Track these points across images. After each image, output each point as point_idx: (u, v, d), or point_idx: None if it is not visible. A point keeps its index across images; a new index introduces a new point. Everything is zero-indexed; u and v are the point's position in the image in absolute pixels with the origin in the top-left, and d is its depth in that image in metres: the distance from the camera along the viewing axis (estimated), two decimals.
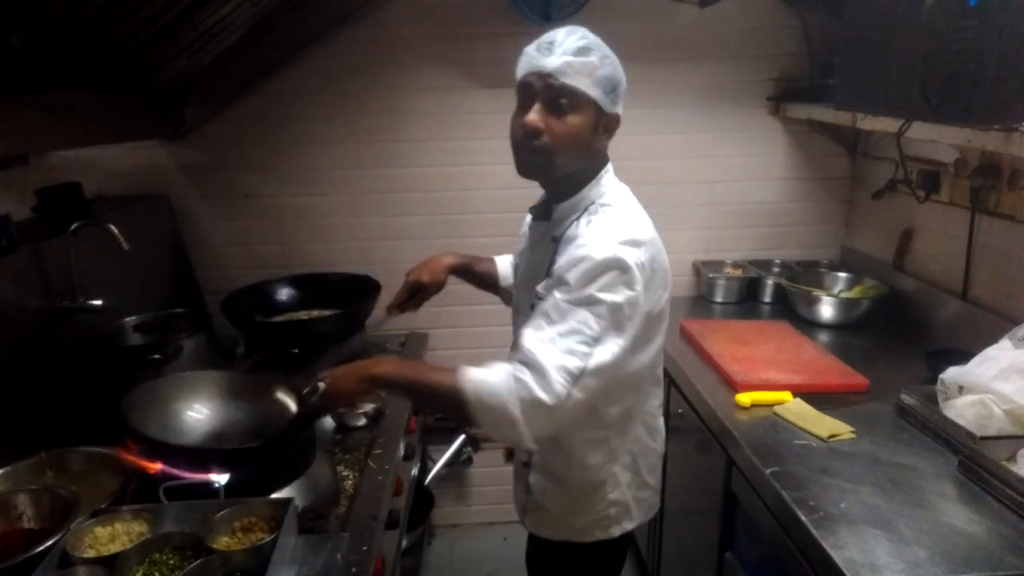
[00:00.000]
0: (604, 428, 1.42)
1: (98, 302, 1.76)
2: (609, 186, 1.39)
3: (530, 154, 1.30)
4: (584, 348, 1.19)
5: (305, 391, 1.37)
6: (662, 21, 2.49)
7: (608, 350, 1.21)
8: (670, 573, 2.32)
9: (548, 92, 1.27)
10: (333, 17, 2.39)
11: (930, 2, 1.59)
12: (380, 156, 2.57)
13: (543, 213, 1.43)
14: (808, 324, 2.32)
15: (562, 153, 1.30)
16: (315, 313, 2.35)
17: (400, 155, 2.57)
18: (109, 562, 1.10)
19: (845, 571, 1.18)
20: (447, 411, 1.35)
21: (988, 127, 1.50)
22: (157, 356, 1.76)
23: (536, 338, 1.21)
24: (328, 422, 1.85)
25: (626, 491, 1.48)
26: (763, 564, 1.58)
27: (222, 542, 1.17)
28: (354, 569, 1.27)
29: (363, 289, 2.33)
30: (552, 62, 1.25)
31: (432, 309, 2.68)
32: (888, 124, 1.85)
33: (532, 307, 1.33)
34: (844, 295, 2.39)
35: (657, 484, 1.58)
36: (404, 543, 1.85)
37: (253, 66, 2.40)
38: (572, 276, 1.22)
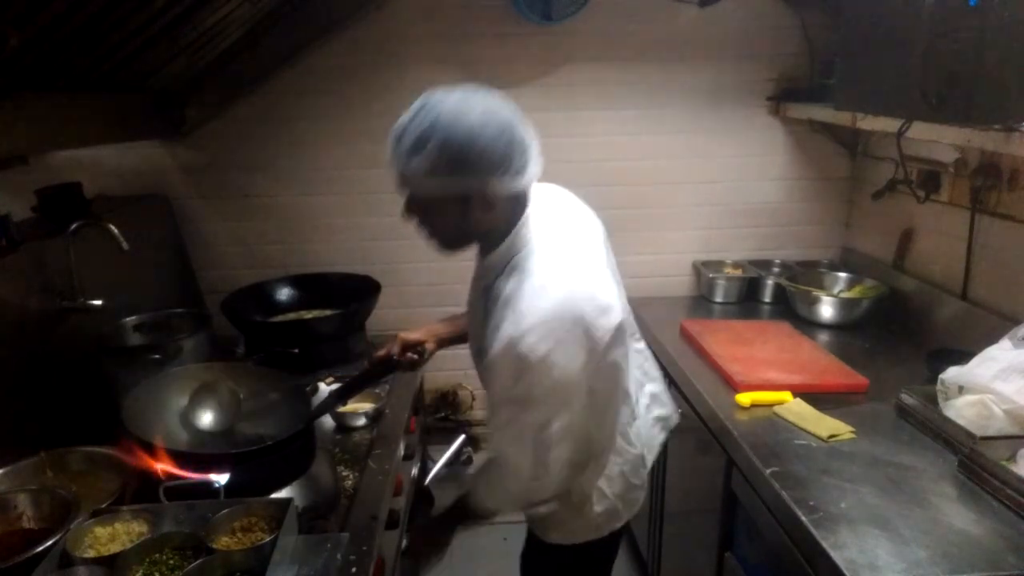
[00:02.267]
0: (586, 452, 1.41)
1: (98, 302, 1.76)
2: (529, 238, 1.27)
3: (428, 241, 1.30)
4: (540, 435, 1.24)
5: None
6: (662, 21, 2.49)
7: (561, 427, 1.24)
8: (670, 573, 2.32)
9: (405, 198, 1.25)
10: (333, 17, 2.39)
11: (930, 2, 1.59)
12: (380, 156, 2.53)
13: (481, 249, 1.35)
14: (808, 324, 2.32)
15: (447, 246, 1.30)
16: (315, 313, 2.35)
17: None
18: (109, 562, 1.10)
19: (845, 571, 1.19)
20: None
21: (988, 127, 1.50)
22: (157, 356, 1.76)
23: (499, 436, 1.32)
24: (328, 422, 1.86)
25: (614, 500, 1.49)
26: (763, 564, 1.58)
27: (222, 542, 1.17)
28: (354, 569, 1.27)
29: (363, 289, 2.33)
30: (394, 169, 1.21)
31: (431, 310, 2.70)
32: (888, 124, 1.85)
33: (479, 352, 1.36)
34: (844, 295, 2.39)
35: (644, 481, 1.57)
36: (404, 543, 1.85)
37: (253, 66, 2.40)
38: (502, 373, 1.21)
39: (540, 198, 1.33)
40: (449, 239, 1.30)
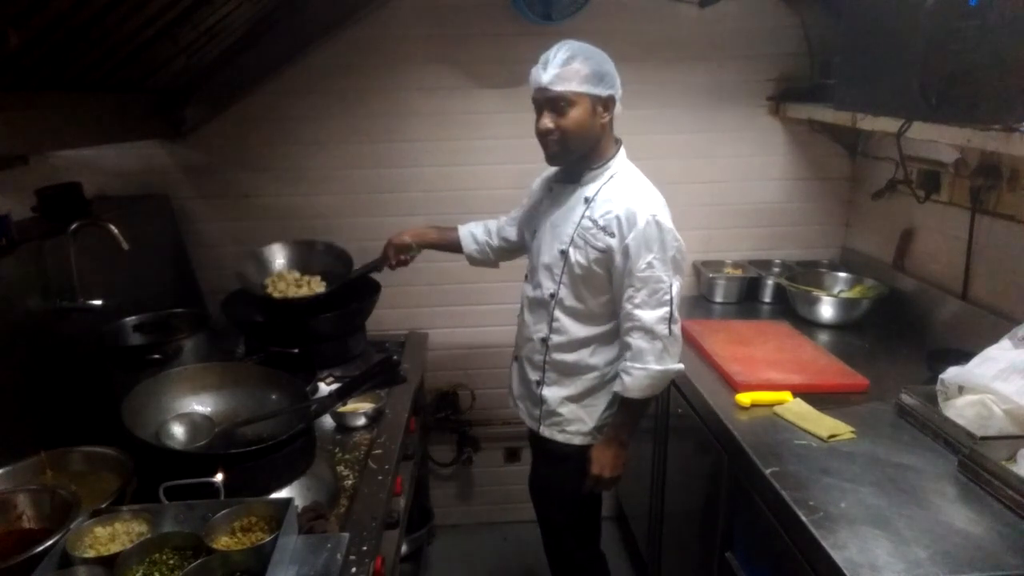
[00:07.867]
0: (613, 323, 1.78)
1: (98, 302, 1.75)
2: (624, 159, 1.80)
3: (550, 147, 1.72)
4: (670, 294, 1.67)
5: None
6: (662, 21, 2.49)
7: (678, 289, 1.69)
8: (670, 573, 2.32)
9: (550, 100, 1.67)
10: (333, 17, 2.39)
11: (930, 2, 1.59)
12: (380, 156, 2.57)
13: (571, 178, 1.81)
14: (808, 324, 2.32)
15: (573, 139, 1.70)
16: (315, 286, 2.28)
17: (400, 155, 2.57)
18: (109, 562, 1.10)
19: (845, 571, 1.19)
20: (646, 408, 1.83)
21: (988, 127, 1.50)
22: (157, 356, 1.76)
23: (639, 312, 1.67)
24: (328, 422, 1.86)
25: None
26: (763, 564, 1.58)
27: (222, 542, 1.17)
28: (354, 569, 1.27)
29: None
30: (547, 77, 1.64)
31: (432, 309, 2.72)
32: (888, 124, 1.85)
33: (561, 253, 1.76)
34: (844, 295, 2.39)
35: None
36: (404, 545, 1.86)
37: (253, 66, 2.39)
38: (644, 242, 1.64)
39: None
40: (580, 132, 1.69)
